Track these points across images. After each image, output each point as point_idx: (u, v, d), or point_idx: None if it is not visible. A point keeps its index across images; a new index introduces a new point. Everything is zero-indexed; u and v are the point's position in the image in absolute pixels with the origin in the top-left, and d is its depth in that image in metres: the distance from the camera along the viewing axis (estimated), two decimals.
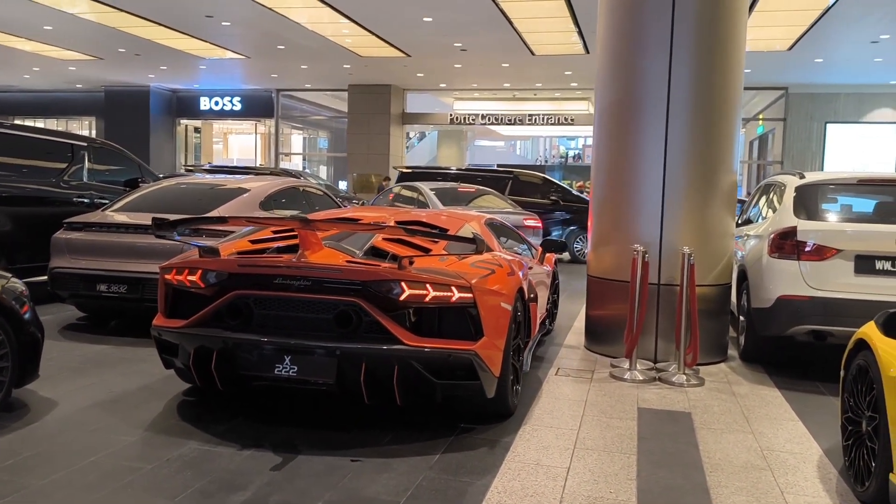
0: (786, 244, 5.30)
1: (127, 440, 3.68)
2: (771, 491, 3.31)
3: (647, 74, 5.62)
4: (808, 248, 5.20)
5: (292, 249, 4.07)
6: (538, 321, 5.40)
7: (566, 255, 13.51)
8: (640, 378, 5.15)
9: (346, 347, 3.60)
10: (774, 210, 5.97)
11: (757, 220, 6.58)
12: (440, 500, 3.09)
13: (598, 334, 6.02)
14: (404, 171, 15.09)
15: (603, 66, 5.96)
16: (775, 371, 5.53)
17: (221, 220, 4.24)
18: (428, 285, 3.66)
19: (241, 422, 3.99)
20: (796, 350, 6.09)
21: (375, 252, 4.13)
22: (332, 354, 3.61)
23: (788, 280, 5.23)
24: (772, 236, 5.41)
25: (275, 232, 4.50)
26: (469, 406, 4.09)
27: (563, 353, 5.97)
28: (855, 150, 21.63)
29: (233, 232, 5.47)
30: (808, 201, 5.52)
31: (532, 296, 4.91)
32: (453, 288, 3.69)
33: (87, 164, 8.17)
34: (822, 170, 19.87)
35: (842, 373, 3.59)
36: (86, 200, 7.94)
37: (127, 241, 6.05)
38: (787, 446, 3.91)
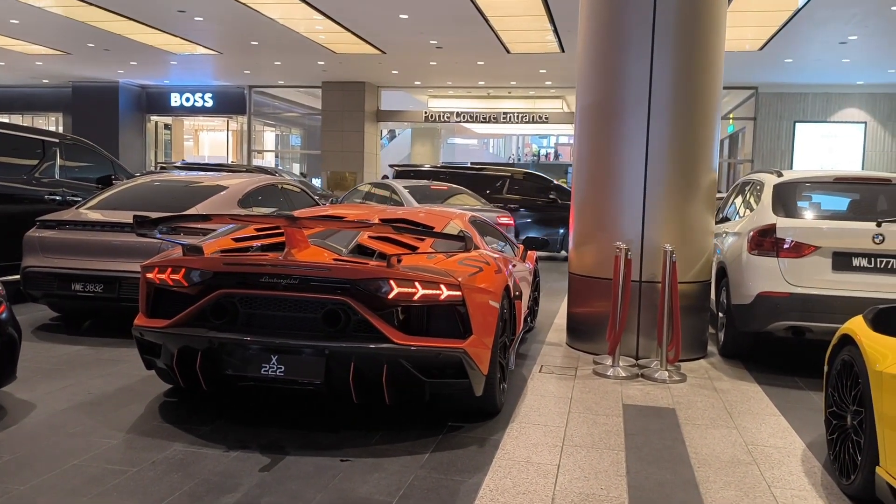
0: (765, 241, 5.37)
1: (109, 443, 3.60)
2: (758, 485, 3.34)
3: (629, 75, 5.65)
4: (786, 246, 5.27)
5: (277, 247, 4.02)
6: (522, 319, 5.42)
7: (563, 253, 13.54)
8: (623, 375, 5.18)
9: (334, 347, 3.56)
10: (752, 208, 6.04)
11: (734, 218, 6.66)
12: (433, 500, 3.08)
13: (580, 331, 6.04)
14: (400, 169, 14.92)
15: (584, 65, 5.98)
16: (754, 367, 5.61)
17: (205, 217, 4.13)
18: (417, 283, 3.63)
19: (225, 423, 3.93)
20: (774, 346, 6.18)
21: (361, 250, 4.09)
22: (321, 354, 3.56)
23: (768, 277, 5.29)
24: (751, 234, 5.48)
25: (258, 230, 4.45)
26: (457, 404, 4.08)
27: (546, 350, 5.98)
28: (823, 148, 22.05)
29: (211, 230, 5.40)
30: (787, 199, 5.60)
31: (517, 293, 4.92)
32: (442, 286, 3.66)
33: (58, 160, 7.99)
34: (792, 168, 20.22)
35: (825, 368, 3.65)
36: (58, 198, 7.77)
37: (102, 240, 5.93)
38: (771, 441, 3.95)
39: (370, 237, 4.20)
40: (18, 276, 6.16)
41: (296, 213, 4.56)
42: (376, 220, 4.54)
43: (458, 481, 3.27)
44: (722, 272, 6.03)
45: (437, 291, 3.66)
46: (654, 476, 3.41)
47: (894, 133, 21.73)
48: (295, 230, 3.80)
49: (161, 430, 3.81)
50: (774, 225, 5.35)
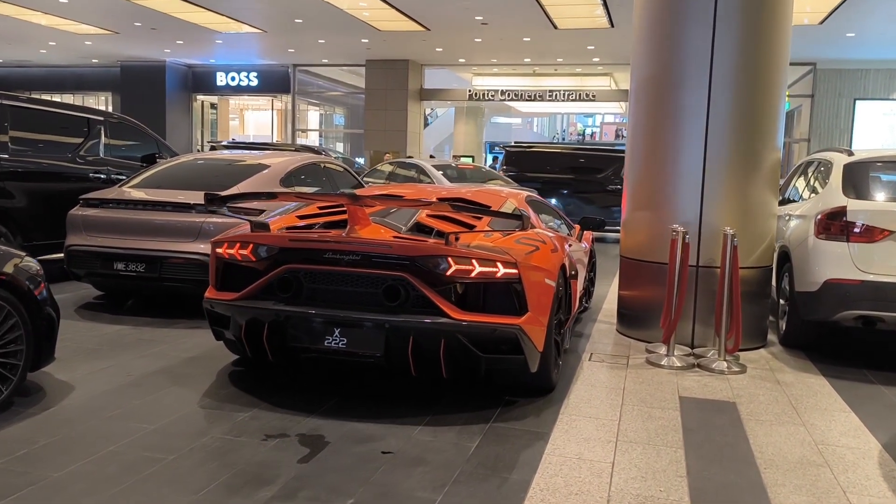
0: (834, 225, 5.03)
1: (147, 428, 3.51)
2: (832, 490, 3.08)
3: (689, 45, 5.32)
4: (857, 230, 4.92)
5: (338, 225, 4.15)
6: (577, 298, 5.37)
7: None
8: (679, 365, 4.92)
9: (394, 321, 3.64)
10: (819, 189, 5.68)
11: (797, 200, 6.29)
12: (480, 498, 2.89)
13: (631, 318, 5.78)
14: (512, 149, 14.37)
15: (641, 36, 5.66)
16: (818, 357, 5.28)
17: (272, 195, 4.24)
18: (474, 261, 3.68)
19: (264, 409, 3.81)
20: (837, 335, 5.84)
21: (420, 228, 4.18)
22: (381, 327, 3.65)
23: (837, 263, 4.96)
24: (819, 217, 5.14)
25: (320, 208, 4.57)
26: (512, 380, 4.10)
27: (595, 336, 5.74)
28: (884, 127, 21.08)
29: (248, 209, 5.40)
30: (858, 180, 5.23)
31: (573, 273, 4.89)
32: (499, 264, 3.69)
33: (103, 139, 7.97)
34: (851, 147, 19.38)
35: None
36: (102, 176, 7.77)
37: (145, 219, 5.87)
38: (843, 440, 3.67)
39: (428, 216, 4.28)
40: (63, 254, 6.15)
41: (359, 192, 4.68)
42: (434, 200, 4.51)
43: (506, 478, 3.08)
44: (784, 257, 5.69)
45: (494, 269, 3.69)
46: (716, 477, 3.17)
47: None
48: (357, 208, 3.93)
49: (199, 415, 3.71)
50: (845, 207, 5.00)
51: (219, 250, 4.10)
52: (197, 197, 5.97)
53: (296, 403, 3.92)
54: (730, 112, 5.28)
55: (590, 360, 5.04)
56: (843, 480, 3.19)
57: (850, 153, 5.53)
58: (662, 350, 5.09)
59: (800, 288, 5.25)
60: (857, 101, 21.21)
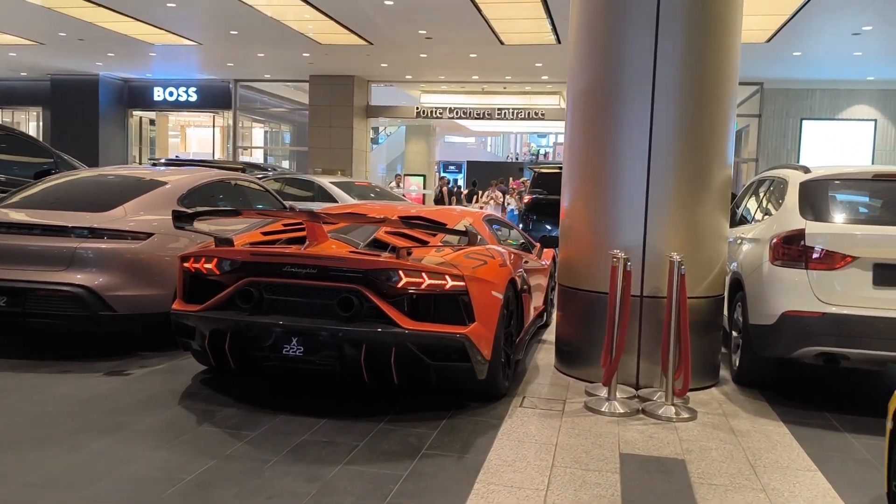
0: (791, 250, 4.49)
1: None
2: None
3: (629, 51, 4.76)
4: (817, 255, 4.39)
5: (301, 241, 4.31)
6: (532, 312, 5.51)
7: None
8: (621, 410, 4.29)
9: (347, 330, 3.83)
10: (772, 210, 5.17)
11: (751, 222, 5.78)
12: None
13: (570, 354, 5.15)
14: (539, 170, 13.68)
15: (577, 42, 5.09)
16: (775, 398, 4.72)
17: (235, 212, 4.63)
18: (423, 274, 3.88)
19: (105, 489, 3.04)
20: (796, 370, 5.30)
21: (377, 244, 4.34)
22: (336, 336, 3.85)
23: (795, 293, 4.41)
24: (774, 241, 4.60)
25: (286, 225, 4.75)
26: (462, 386, 4.25)
27: (530, 375, 5.09)
28: (830, 147, 21.14)
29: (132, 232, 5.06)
30: (816, 199, 4.71)
31: (525, 287, 5.01)
32: (447, 277, 3.89)
33: None
34: None
35: (889, 424, 2.76)
36: None
37: (8, 244, 5.03)
38: None
39: (386, 232, 4.47)
40: None
41: (318, 210, 4.86)
42: (392, 217, 4.53)
43: None
44: (737, 285, 5.15)
45: (443, 282, 3.90)
46: None
47: None
48: (315, 225, 4.17)
49: (13, 498, 2.92)
50: (803, 230, 4.47)
51: (185, 264, 4.26)
52: (75, 219, 5.19)
53: (152, 475, 3.16)
54: (675, 126, 4.72)
55: (521, 406, 4.37)
56: None
57: (807, 170, 5.02)
58: (603, 393, 4.47)
59: (754, 320, 4.69)
60: (804, 121, 21.24)
